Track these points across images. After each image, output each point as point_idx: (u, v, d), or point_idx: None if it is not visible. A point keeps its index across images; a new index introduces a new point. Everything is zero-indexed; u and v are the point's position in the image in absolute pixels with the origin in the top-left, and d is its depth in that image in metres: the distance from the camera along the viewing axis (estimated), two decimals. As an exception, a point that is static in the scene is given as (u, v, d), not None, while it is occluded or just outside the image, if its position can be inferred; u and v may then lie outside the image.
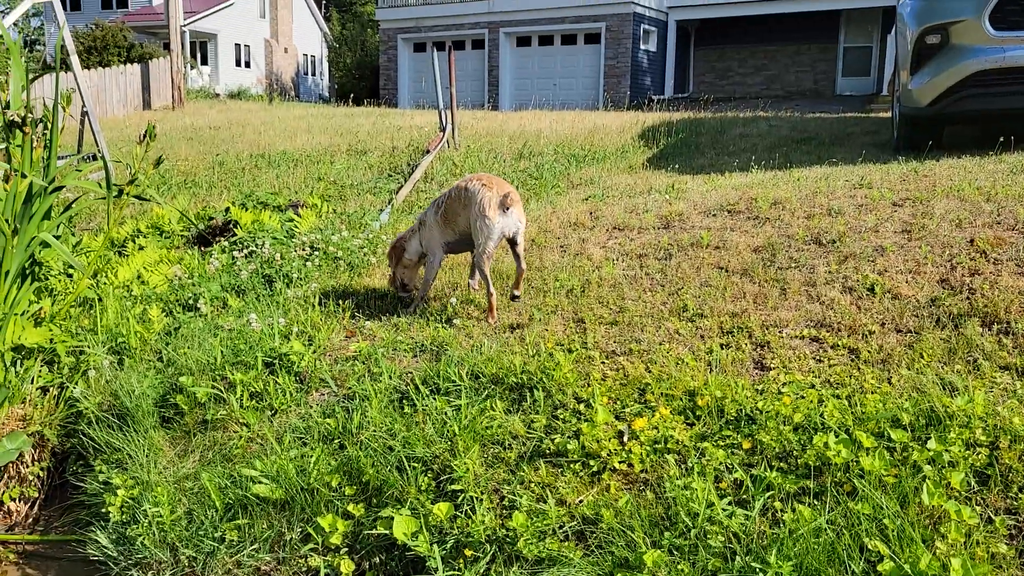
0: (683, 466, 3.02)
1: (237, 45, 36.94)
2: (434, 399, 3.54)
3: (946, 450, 2.79)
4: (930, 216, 4.61)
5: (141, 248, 6.70)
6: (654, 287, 4.34)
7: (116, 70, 23.03)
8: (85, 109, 9.63)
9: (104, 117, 21.85)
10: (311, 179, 8.97)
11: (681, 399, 3.30)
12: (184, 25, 29.85)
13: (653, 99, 24.47)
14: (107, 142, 12.02)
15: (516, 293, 4.43)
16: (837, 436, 2.89)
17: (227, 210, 6.97)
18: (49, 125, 4.87)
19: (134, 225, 7.27)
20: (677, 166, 9.01)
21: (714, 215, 5.32)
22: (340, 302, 4.71)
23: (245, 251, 5.96)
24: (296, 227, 6.47)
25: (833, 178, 6.20)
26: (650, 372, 3.51)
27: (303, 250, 5.73)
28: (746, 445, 3.03)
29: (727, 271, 4.37)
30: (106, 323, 4.76)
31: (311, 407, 3.75)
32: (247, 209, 6.95)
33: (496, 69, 26.74)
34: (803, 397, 3.19)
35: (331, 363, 4.03)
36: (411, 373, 3.80)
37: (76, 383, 4.31)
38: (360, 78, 32.69)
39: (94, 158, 10.17)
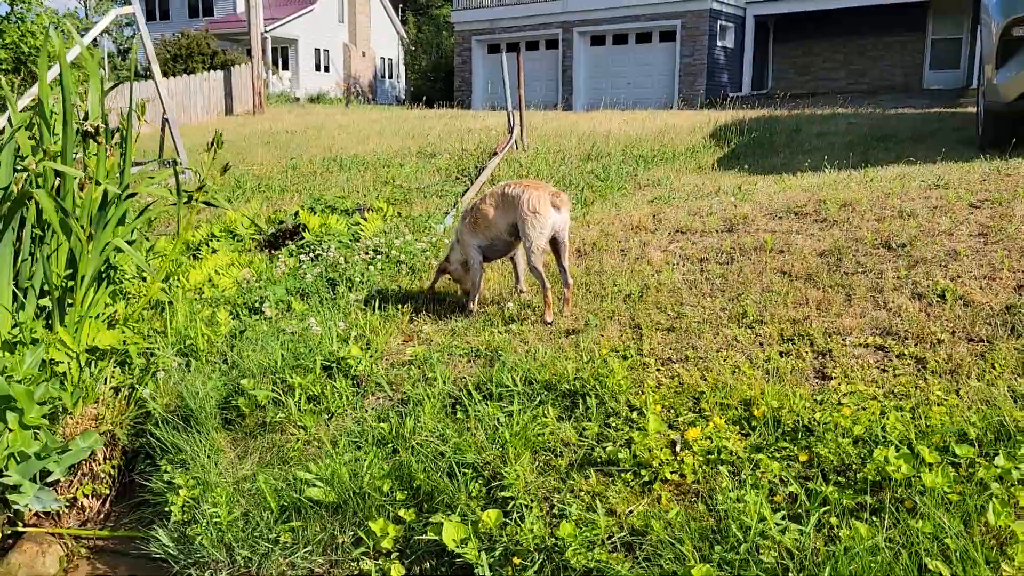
0: (736, 478, 2.94)
1: (316, 50, 37.74)
2: (486, 405, 3.53)
3: (1016, 467, 2.65)
4: (1009, 218, 4.39)
5: (214, 251, 6.89)
6: (714, 292, 4.25)
7: (200, 77, 23.80)
8: (165, 116, 9.96)
9: (189, 123, 22.61)
10: (379, 183, 9.09)
11: (736, 408, 3.22)
12: (265, 32, 30.69)
13: (730, 96, 24.03)
14: (189, 148, 12.42)
15: (556, 314, 4.33)
16: (898, 450, 2.77)
17: (296, 214, 7.12)
18: (124, 134, 5.06)
19: (209, 229, 7.48)
20: (748, 166, 8.83)
21: (780, 218, 5.18)
22: (399, 306, 4.75)
23: (311, 254, 6.08)
24: (361, 231, 6.56)
25: (908, 178, 5.98)
26: (705, 380, 3.43)
27: (366, 254, 5.80)
28: (803, 457, 2.94)
29: (790, 276, 4.25)
30: (176, 326, 4.91)
31: (366, 411, 3.79)
32: (315, 213, 7.07)
33: (569, 69, 26.66)
34: (864, 408, 3.08)
35: (387, 367, 4.07)
36: (465, 378, 3.80)
37: (146, 384, 4.45)
38: (435, 80, 33.03)
39: (174, 164, 10.54)
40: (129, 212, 5.05)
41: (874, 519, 2.63)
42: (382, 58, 41.46)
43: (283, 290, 5.30)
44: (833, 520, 2.67)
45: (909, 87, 24.27)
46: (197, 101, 23.43)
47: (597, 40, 26.73)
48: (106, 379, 4.50)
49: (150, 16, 38.99)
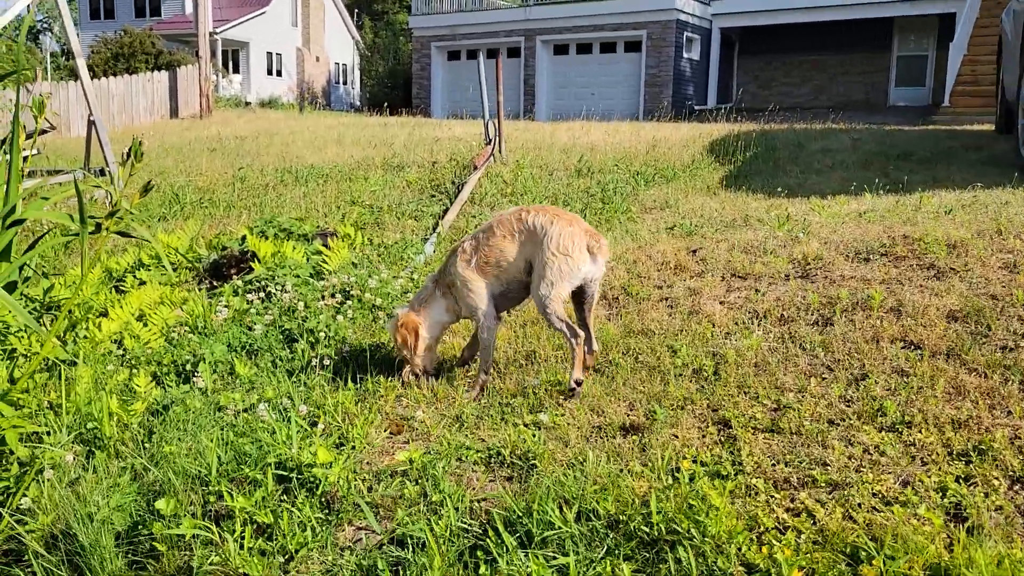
0: None
1: (269, 53, 36.19)
2: (524, 555, 2.36)
3: None
4: None
5: (142, 283, 5.61)
6: (818, 370, 3.12)
7: (143, 77, 22.26)
8: (92, 118, 8.60)
9: (130, 125, 21.08)
10: (342, 199, 7.85)
11: (923, 581, 2.09)
12: (216, 33, 29.12)
13: (695, 109, 23.40)
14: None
15: (578, 378, 3.25)
16: None
17: (243, 238, 5.86)
18: (11, 140, 3.80)
19: (137, 254, 6.18)
20: (760, 186, 7.80)
21: (865, 260, 4.09)
22: (381, 376, 3.55)
23: (261, 293, 4.85)
24: (324, 262, 5.33)
25: (990, 207, 4.96)
26: (854, 521, 2.30)
27: (332, 296, 4.58)
28: None
29: (921, 349, 3.15)
30: (75, 399, 3.63)
31: (342, 552, 2.58)
32: (267, 237, 5.83)
33: (532, 78, 25.77)
34: None
35: (370, 478, 2.86)
36: (485, 503, 2.62)
37: (25, 488, 3.18)
38: (392, 87, 31.90)
39: (102, 172, 9.16)
40: (15, 244, 3.78)
41: None
42: (336, 63, 40.04)
43: (223, 346, 4.06)
44: None
45: (873, 104, 23.91)
46: (139, 102, 21.87)
47: (560, 49, 25.95)
48: (-30, 481, 3.22)
49: (94, 14, 37.02)
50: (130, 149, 3.52)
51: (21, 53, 3.92)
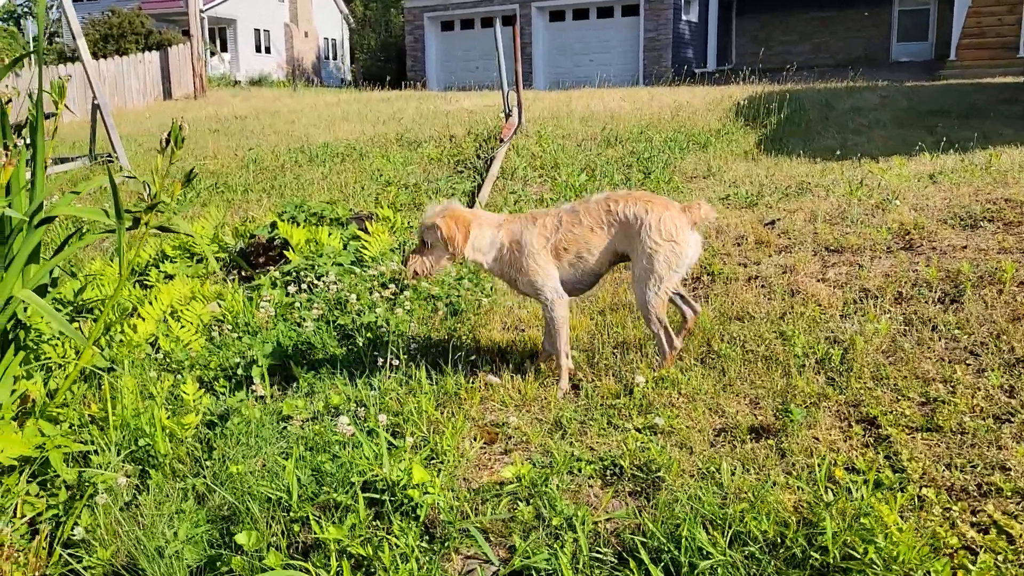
0: None
1: (256, 30, 35.47)
2: (677, 589, 2.05)
3: None
4: None
5: (168, 278, 5.26)
6: (961, 356, 2.80)
7: (134, 58, 21.73)
8: (96, 102, 8.19)
9: (123, 108, 20.58)
10: (364, 178, 7.48)
11: None
12: (202, 10, 28.44)
13: (695, 72, 23.02)
14: (125, 137, 10.63)
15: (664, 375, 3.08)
16: None
17: (273, 225, 5.51)
18: (34, 125, 3.43)
19: (159, 245, 5.83)
20: (800, 149, 7.46)
21: (972, 227, 3.76)
22: (462, 378, 3.21)
23: (302, 284, 4.51)
24: (365, 248, 4.99)
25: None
26: (1058, 538, 1.99)
27: (385, 287, 4.24)
28: None
29: (1074, 328, 2.83)
30: (121, 412, 3.30)
31: (455, 588, 2.27)
32: (298, 224, 5.47)
33: (529, 46, 25.28)
34: None
35: (472, 497, 2.54)
36: (611, 524, 2.30)
37: (76, 516, 2.86)
38: (386, 60, 31.38)
39: (109, 159, 8.77)
40: (44, 243, 3.44)
41: None
42: (325, 39, 39.30)
43: (274, 346, 3.73)
44: None
45: (875, 60, 23.58)
46: (132, 84, 21.36)
47: (556, 15, 25.47)
48: (15, 510, 2.90)
49: (75, -5, 36.17)
50: (169, 134, 3.17)
51: (42, 33, 3.54)
